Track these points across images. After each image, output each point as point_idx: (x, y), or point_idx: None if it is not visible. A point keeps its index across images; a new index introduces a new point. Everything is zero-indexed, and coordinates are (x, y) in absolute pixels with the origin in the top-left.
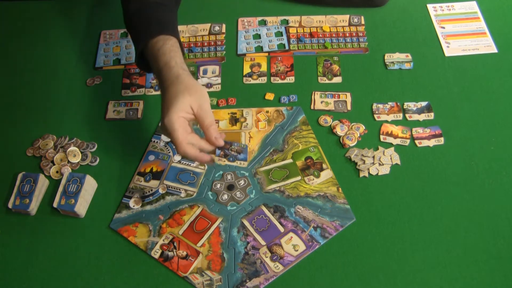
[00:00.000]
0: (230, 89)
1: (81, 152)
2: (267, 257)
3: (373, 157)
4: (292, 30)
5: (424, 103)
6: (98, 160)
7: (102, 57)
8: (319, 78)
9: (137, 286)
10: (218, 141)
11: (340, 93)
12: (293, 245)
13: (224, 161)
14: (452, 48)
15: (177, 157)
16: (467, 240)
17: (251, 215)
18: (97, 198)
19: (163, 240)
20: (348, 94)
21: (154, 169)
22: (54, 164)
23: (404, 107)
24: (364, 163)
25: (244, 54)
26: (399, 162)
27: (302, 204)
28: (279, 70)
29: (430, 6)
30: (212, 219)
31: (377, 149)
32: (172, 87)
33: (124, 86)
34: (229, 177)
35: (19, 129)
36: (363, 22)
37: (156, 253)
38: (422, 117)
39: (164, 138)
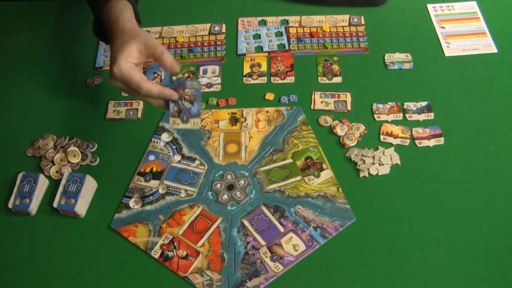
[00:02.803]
0: (230, 89)
1: (81, 152)
2: (267, 257)
3: (373, 157)
4: (292, 30)
5: (424, 103)
6: (98, 160)
7: (102, 57)
8: (319, 78)
9: (137, 286)
10: (174, 67)
11: (340, 93)
12: (293, 245)
13: (178, 123)
14: (452, 48)
15: (177, 157)
16: (467, 240)
17: (251, 215)
18: (97, 198)
19: (163, 240)
20: (348, 94)
21: (154, 169)
22: (54, 164)
23: (404, 107)
24: (364, 163)
25: (244, 54)
26: (399, 162)
27: (302, 204)
28: (279, 70)
29: (430, 6)
30: (212, 219)
31: (377, 149)
32: (117, 40)
33: None
34: (229, 177)
35: (19, 129)
36: (363, 22)
37: (156, 253)
38: (422, 117)
39: (164, 138)
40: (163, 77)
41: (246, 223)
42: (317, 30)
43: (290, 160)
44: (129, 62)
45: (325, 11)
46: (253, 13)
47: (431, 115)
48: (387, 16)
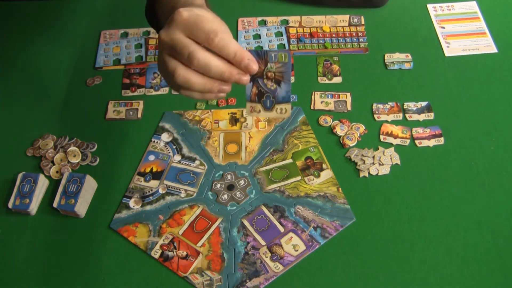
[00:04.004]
0: None
1: (81, 152)
2: (267, 257)
3: (373, 157)
4: (292, 30)
5: (424, 103)
6: (98, 160)
7: (102, 57)
8: (319, 78)
9: (137, 286)
10: (251, 67)
11: (340, 93)
12: (293, 245)
13: (259, 111)
14: (452, 48)
15: (177, 157)
16: (467, 240)
17: (251, 215)
18: (97, 198)
19: (163, 240)
20: (348, 94)
21: (154, 169)
22: (54, 164)
23: (404, 107)
24: (364, 163)
25: None
26: (399, 162)
27: (302, 204)
28: None
29: (430, 6)
30: (212, 219)
31: (377, 149)
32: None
33: (124, 86)
34: (229, 177)
35: (19, 129)
36: (363, 22)
37: (156, 253)
38: (422, 117)
39: (164, 138)
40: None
41: (246, 223)
42: (317, 30)
43: (290, 160)
44: (201, 15)
45: (325, 11)
46: (253, 13)
47: (431, 115)
48: (387, 16)
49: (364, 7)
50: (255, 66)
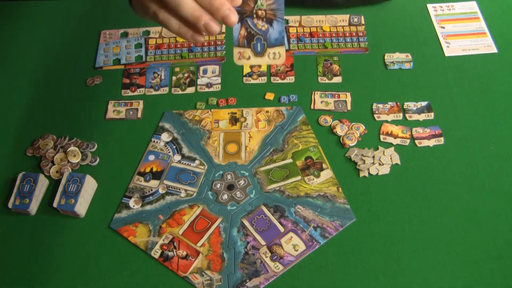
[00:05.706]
0: (230, 89)
1: (81, 152)
2: (267, 257)
3: (373, 157)
4: (292, 30)
5: (424, 103)
6: (98, 160)
7: (102, 57)
8: (319, 78)
9: (137, 286)
10: (229, 19)
11: (340, 93)
12: (293, 245)
13: (248, 57)
14: (452, 48)
15: (177, 157)
16: (467, 240)
17: (251, 215)
18: (97, 198)
19: (163, 240)
20: (348, 94)
21: (154, 169)
22: (54, 164)
23: (404, 107)
24: (364, 163)
25: None
26: (399, 162)
27: (302, 204)
28: (279, 70)
29: (430, 6)
30: (212, 219)
31: (377, 149)
32: None
33: (124, 86)
34: (229, 177)
35: (19, 129)
36: (363, 22)
37: (156, 253)
38: (422, 117)
39: (164, 138)
40: (163, 77)
41: (246, 223)
42: (317, 30)
43: (290, 160)
44: None
45: (325, 11)
46: None
47: (431, 115)
48: (387, 16)
49: (364, 5)
50: (234, 18)
